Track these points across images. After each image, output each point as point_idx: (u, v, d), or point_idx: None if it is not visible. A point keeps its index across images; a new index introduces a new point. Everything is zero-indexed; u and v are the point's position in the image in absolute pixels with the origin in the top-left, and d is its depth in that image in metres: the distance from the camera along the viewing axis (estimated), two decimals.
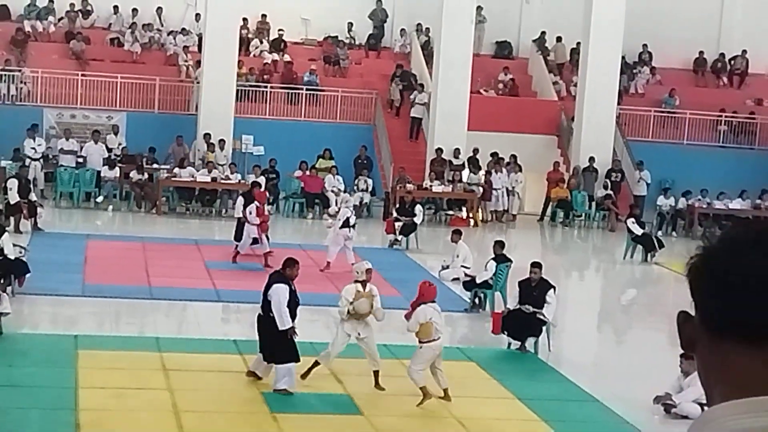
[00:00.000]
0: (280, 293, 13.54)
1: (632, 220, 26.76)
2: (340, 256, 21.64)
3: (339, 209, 23.09)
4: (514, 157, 32.34)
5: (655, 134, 35.45)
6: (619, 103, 34.04)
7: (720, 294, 1.91)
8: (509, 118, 33.69)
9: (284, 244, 22.79)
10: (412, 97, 33.92)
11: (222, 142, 30.99)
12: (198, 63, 33.18)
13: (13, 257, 18.12)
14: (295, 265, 13.98)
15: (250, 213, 22.43)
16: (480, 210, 31.18)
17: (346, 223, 22.12)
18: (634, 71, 38.17)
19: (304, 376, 14.09)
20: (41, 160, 29.69)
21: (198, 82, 32.57)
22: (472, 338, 18.09)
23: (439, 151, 31.68)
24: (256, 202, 23.02)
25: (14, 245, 18.73)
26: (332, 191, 30.17)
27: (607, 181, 32.37)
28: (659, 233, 29.33)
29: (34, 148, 29.51)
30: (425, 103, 33.36)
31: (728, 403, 1.89)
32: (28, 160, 28.85)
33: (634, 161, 33.27)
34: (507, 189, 31.74)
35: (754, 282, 1.87)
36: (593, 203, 32.21)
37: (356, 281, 14.29)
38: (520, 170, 31.96)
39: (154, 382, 14.20)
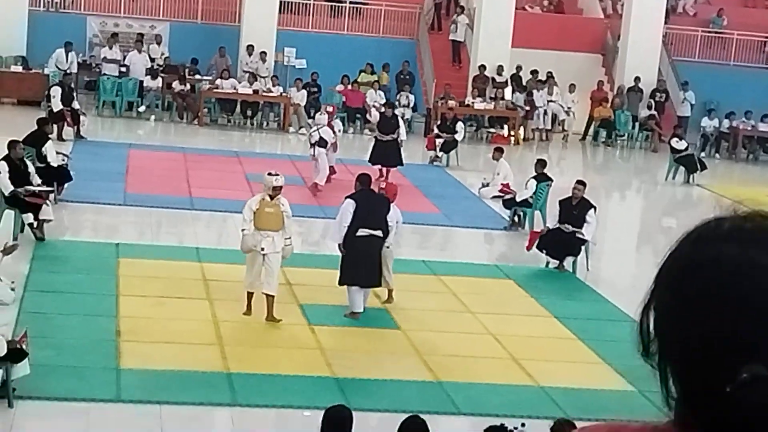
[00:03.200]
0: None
1: (676, 139, 26.61)
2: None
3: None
4: (549, 74, 31.96)
5: (701, 55, 34.98)
6: (666, 23, 33.57)
7: None
8: (554, 35, 33.33)
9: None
10: (452, 19, 33.54)
11: (264, 54, 30.89)
12: None
13: (56, 165, 18.26)
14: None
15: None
16: (522, 128, 30.99)
17: (319, 143, 21.31)
18: None
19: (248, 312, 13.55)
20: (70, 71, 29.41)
21: None
22: (510, 256, 18.11)
23: (482, 68, 31.42)
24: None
25: (57, 153, 18.87)
26: (373, 106, 30.07)
27: (651, 101, 32.06)
28: (702, 155, 29.11)
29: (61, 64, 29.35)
30: (467, 24, 32.97)
31: None
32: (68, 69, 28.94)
33: (679, 82, 32.90)
34: (562, 108, 31.43)
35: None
36: (636, 123, 31.95)
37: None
38: (574, 90, 31.59)
39: (193, 292, 14.34)
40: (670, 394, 1.65)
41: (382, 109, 24.72)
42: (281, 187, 13.52)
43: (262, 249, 13.24)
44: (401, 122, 23.41)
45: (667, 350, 1.65)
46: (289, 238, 13.55)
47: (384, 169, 22.47)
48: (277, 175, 13.57)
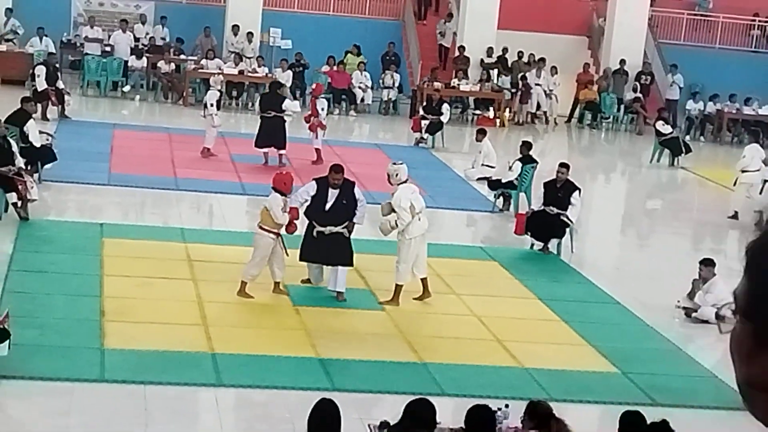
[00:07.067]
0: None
1: (661, 122, 26.61)
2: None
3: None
4: (531, 56, 31.84)
5: (687, 37, 35.02)
6: (651, 5, 33.59)
7: None
8: (539, 17, 33.29)
9: (308, 139, 22.71)
10: (440, 25, 33.10)
11: (250, 34, 30.79)
12: None
13: (38, 144, 18.19)
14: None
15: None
16: (513, 111, 30.90)
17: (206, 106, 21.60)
18: None
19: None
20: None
21: None
22: (495, 238, 18.13)
23: (462, 48, 31.35)
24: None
25: (41, 132, 18.80)
26: (359, 87, 30.04)
27: (637, 83, 32.08)
28: (687, 137, 29.16)
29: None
30: (454, 33, 32.63)
31: None
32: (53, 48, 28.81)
33: (665, 64, 32.92)
34: (545, 91, 31.28)
35: None
36: (622, 106, 31.97)
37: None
38: (556, 72, 31.45)
39: (178, 273, 14.33)
40: None
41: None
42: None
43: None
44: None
45: None
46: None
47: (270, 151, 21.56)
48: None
